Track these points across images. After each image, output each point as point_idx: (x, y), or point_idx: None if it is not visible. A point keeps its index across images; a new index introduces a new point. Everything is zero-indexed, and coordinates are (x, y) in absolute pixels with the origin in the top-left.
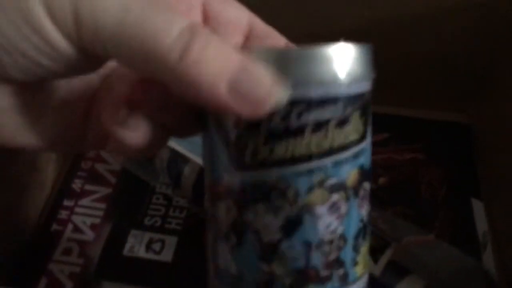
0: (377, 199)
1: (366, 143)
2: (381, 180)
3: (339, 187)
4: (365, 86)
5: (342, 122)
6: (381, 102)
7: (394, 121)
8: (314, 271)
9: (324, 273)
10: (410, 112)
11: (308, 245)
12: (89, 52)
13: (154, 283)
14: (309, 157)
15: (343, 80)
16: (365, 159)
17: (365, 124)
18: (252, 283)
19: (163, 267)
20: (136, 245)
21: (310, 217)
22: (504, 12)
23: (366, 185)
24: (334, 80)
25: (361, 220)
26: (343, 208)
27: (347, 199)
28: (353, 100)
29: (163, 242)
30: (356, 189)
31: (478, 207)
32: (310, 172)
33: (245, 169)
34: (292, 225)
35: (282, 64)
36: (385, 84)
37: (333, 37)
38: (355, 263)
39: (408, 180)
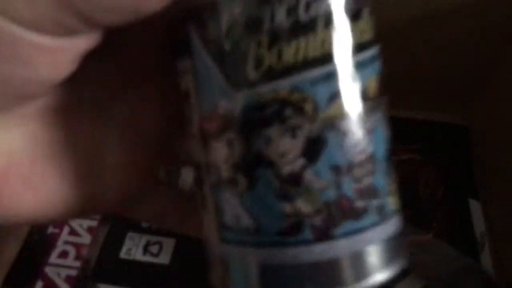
0: None
1: (379, 48)
2: None
3: (363, 95)
4: None
5: (356, 16)
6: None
7: (392, 122)
8: (348, 202)
9: (359, 203)
10: (407, 114)
11: (337, 170)
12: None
13: (151, 285)
14: (325, 58)
15: None
16: (381, 66)
17: (374, 25)
18: (273, 232)
19: (161, 269)
20: (133, 248)
21: (335, 134)
22: (501, 15)
23: (385, 99)
24: None
25: (388, 140)
26: (369, 122)
27: (371, 110)
28: None
29: (160, 244)
30: (378, 100)
31: (475, 208)
32: (329, 76)
33: (249, 86)
34: (316, 147)
35: None
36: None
37: None
38: (389, 192)
39: (406, 180)
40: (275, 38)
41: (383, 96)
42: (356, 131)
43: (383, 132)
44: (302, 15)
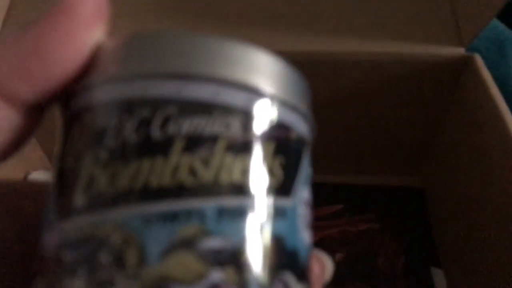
0: (334, 277)
1: (292, 204)
2: (338, 256)
3: (226, 257)
4: (287, 115)
5: (239, 149)
6: (333, 172)
7: (347, 190)
8: None
9: None
10: (363, 180)
11: None
12: None
13: None
14: (174, 191)
15: (240, 82)
16: (289, 229)
17: (288, 174)
18: None
19: None
20: None
21: None
22: (448, 78)
23: (288, 277)
24: (228, 79)
25: None
26: None
27: (243, 285)
28: (258, 121)
29: None
30: (263, 272)
31: (438, 276)
32: (173, 217)
33: (71, 215)
34: None
35: (153, 46)
36: (335, 153)
37: None
38: None
39: (365, 253)
40: (113, 156)
41: (283, 271)
42: None
43: None
44: (155, 132)
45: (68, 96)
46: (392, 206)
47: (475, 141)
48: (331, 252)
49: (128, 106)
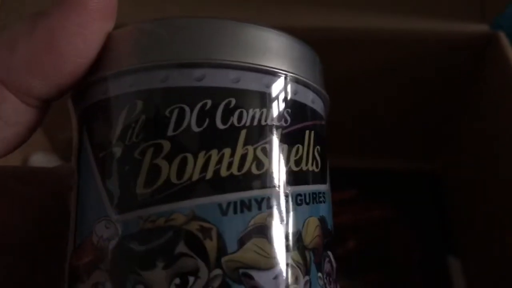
0: (345, 267)
1: (328, 188)
2: (350, 244)
3: (293, 241)
4: (318, 104)
5: (292, 139)
6: (346, 155)
7: (360, 175)
8: None
9: None
10: (378, 164)
11: None
12: None
13: None
14: (243, 181)
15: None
16: (328, 212)
17: (323, 160)
18: None
19: None
20: None
21: None
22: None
23: (331, 256)
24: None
25: None
26: (300, 283)
27: (306, 266)
28: (304, 111)
29: None
30: (318, 254)
31: (455, 265)
32: (247, 207)
33: (135, 207)
34: None
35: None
36: (349, 135)
37: None
38: None
39: (378, 241)
40: (179, 146)
41: (323, 247)
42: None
43: None
44: (220, 122)
45: (83, 88)
46: (407, 192)
47: (498, 122)
48: (342, 239)
49: (183, 96)
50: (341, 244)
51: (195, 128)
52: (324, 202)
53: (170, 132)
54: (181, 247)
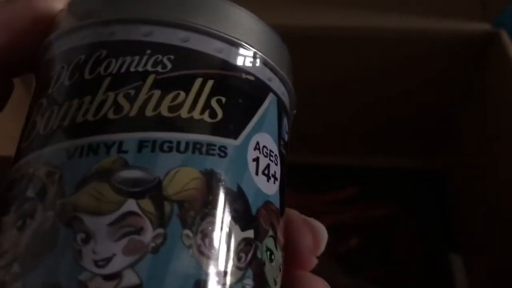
0: (348, 264)
1: (236, 145)
2: (353, 242)
3: (145, 189)
4: (233, 57)
5: (170, 85)
6: (348, 153)
7: (362, 173)
8: None
9: None
10: (379, 162)
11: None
12: None
13: None
14: (97, 126)
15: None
16: (229, 169)
17: (232, 114)
18: None
19: None
20: None
21: (71, 234)
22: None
23: (225, 217)
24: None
25: (201, 284)
26: (148, 234)
27: (161, 219)
28: (192, 59)
29: None
30: (190, 209)
31: (457, 262)
32: (93, 150)
33: (16, 160)
34: (39, 248)
35: None
36: (352, 133)
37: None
38: None
39: (381, 239)
40: (51, 101)
41: (203, 204)
42: (109, 240)
43: (186, 261)
44: (87, 74)
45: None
46: (409, 190)
47: (500, 121)
48: (344, 238)
49: (67, 56)
50: (344, 241)
51: (67, 82)
52: (222, 157)
53: (50, 90)
54: (29, 192)
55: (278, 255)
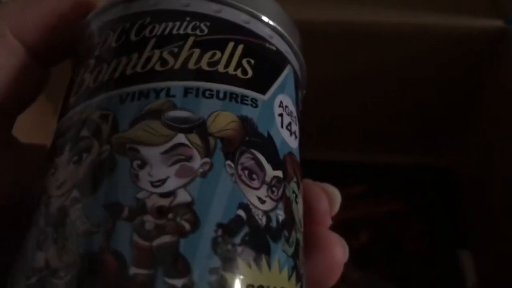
0: (358, 259)
1: (265, 100)
2: (363, 237)
3: (192, 126)
4: (260, 29)
5: (208, 46)
6: (357, 150)
7: (371, 170)
8: (114, 261)
9: (135, 270)
10: (388, 159)
11: (112, 209)
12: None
13: None
14: (145, 76)
15: None
16: (261, 117)
17: (260, 74)
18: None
19: None
20: None
21: (127, 161)
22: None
23: (259, 156)
24: None
25: (243, 206)
26: (196, 161)
27: (207, 150)
28: (226, 26)
29: None
30: (231, 145)
31: (466, 259)
32: (144, 95)
33: (65, 113)
34: (98, 175)
35: None
36: (361, 129)
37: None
38: (210, 271)
39: (390, 235)
40: (99, 60)
41: (241, 143)
42: (163, 165)
43: (233, 189)
44: (133, 36)
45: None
46: (418, 187)
47: (510, 118)
48: (354, 234)
49: (112, 25)
50: (355, 237)
51: (114, 44)
52: (254, 107)
53: (97, 52)
54: (83, 133)
55: (301, 202)
